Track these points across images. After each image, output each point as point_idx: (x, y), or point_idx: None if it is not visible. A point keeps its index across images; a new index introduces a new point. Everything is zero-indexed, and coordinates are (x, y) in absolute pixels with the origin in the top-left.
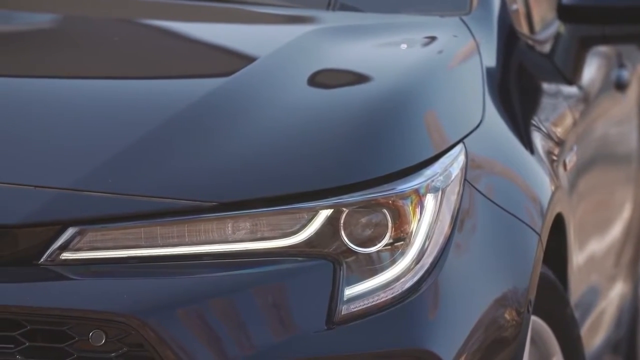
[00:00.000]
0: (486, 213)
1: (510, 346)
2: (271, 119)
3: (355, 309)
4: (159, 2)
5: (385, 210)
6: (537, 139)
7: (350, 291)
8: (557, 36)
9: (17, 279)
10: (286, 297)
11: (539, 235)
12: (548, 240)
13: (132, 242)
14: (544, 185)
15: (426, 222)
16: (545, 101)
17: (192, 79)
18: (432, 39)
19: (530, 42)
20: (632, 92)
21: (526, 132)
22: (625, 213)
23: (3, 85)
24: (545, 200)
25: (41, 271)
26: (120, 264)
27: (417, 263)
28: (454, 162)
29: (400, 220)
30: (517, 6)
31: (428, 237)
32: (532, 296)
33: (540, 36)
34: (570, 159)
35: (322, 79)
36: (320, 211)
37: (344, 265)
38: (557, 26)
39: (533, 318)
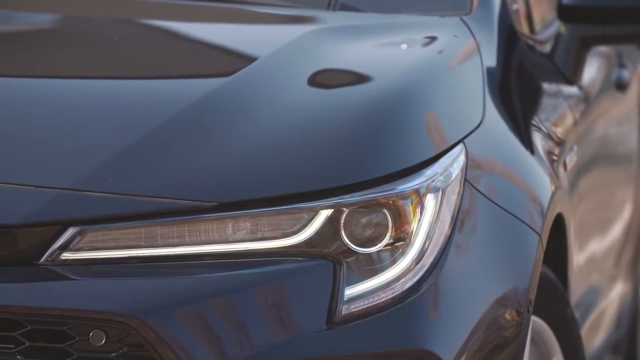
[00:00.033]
0: (486, 213)
1: (511, 346)
2: (271, 119)
3: (355, 309)
4: (159, 2)
5: (385, 210)
6: (538, 139)
7: (350, 291)
8: (558, 36)
9: (17, 279)
10: (286, 297)
11: (539, 235)
12: (548, 240)
13: (132, 242)
14: (544, 185)
15: (426, 222)
16: (546, 101)
17: (192, 79)
18: (433, 39)
19: (530, 42)
20: (632, 92)
21: (526, 132)
22: (626, 213)
23: (3, 85)
24: (545, 200)
25: (41, 271)
26: (120, 264)
27: (417, 263)
28: (454, 162)
29: (400, 220)
30: (518, 6)
31: (428, 237)
32: (533, 296)
33: (541, 36)
34: (571, 159)
35: (323, 79)
36: (321, 211)
37: (344, 265)
38: (557, 26)
39: (533, 318)
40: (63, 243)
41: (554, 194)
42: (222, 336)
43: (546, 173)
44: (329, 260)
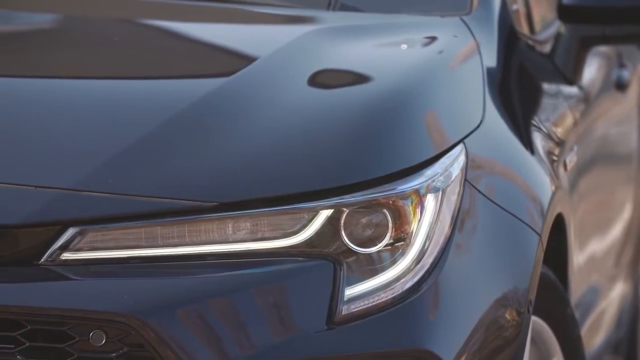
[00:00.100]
0: (486, 213)
1: (511, 346)
2: (271, 119)
3: (355, 309)
4: (159, 2)
5: (385, 211)
6: (538, 139)
7: (350, 291)
8: (558, 36)
9: (17, 279)
10: (286, 297)
11: (540, 235)
12: (548, 241)
13: (132, 242)
14: (545, 185)
15: (426, 222)
16: (546, 101)
17: (193, 79)
18: (433, 39)
19: (530, 42)
20: (632, 92)
21: (526, 132)
22: (626, 213)
23: (3, 85)
24: (545, 201)
25: (41, 271)
26: (120, 264)
27: (417, 263)
28: (454, 162)
29: (400, 220)
30: (518, 6)
31: (428, 237)
32: (533, 296)
33: (541, 36)
34: (571, 159)
35: (323, 79)
36: (321, 211)
37: (345, 266)
38: (557, 26)
39: (533, 318)
40: (63, 243)
41: (554, 194)
42: (223, 336)
43: (546, 173)
44: (329, 260)
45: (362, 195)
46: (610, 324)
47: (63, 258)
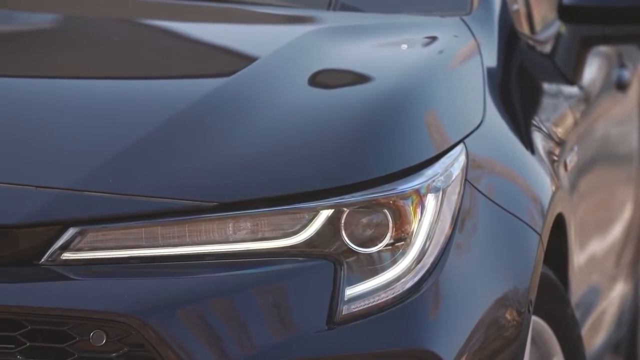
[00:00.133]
0: (487, 213)
1: (511, 346)
2: (272, 119)
3: (356, 309)
4: (159, 2)
5: (386, 210)
6: (538, 139)
7: (351, 291)
8: (558, 36)
9: (17, 279)
10: (287, 297)
11: (540, 235)
12: (549, 241)
13: (132, 242)
14: (545, 185)
15: (427, 222)
16: (546, 101)
17: (193, 79)
18: (433, 39)
19: (531, 42)
20: (632, 92)
21: (527, 132)
22: (626, 213)
23: (3, 85)
24: (546, 201)
25: (42, 271)
26: (121, 264)
27: (417, 263)
28: (454, 162)
29: (401, 220)
30: (518, 6)
31: (429, 237)
32: (533, 296)
33: (541, 36)
34: (571, 159)
35: (323, 79)
36: (321, 211)
37: (345, 265)
38: (557, 26)
39: (534, 318)
40: (63, 243)
41: (554, 194)
42: (223, 336)
43: (547, 173)
44: (329, 260)
45: (363, 195)
46: (610, 324)
47: (63, 258)
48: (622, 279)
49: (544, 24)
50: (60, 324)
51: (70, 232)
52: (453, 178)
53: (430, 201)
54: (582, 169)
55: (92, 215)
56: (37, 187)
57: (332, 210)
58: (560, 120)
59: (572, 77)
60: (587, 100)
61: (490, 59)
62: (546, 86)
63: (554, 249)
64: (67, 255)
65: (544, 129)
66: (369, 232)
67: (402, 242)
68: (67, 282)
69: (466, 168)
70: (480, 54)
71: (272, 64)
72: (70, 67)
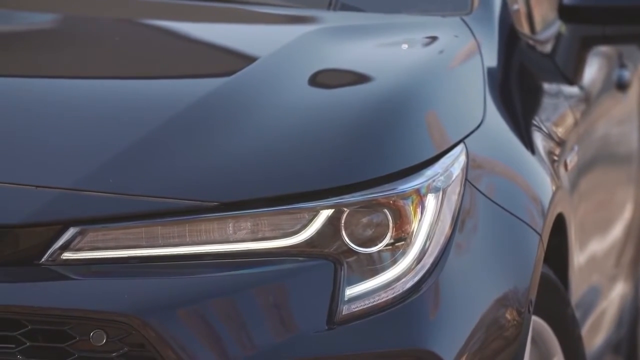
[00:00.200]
0: (487, 213)
1: (511, 346)
2: (272, 119)
3: (356, 309)
4: (159, 2)
5: (386, 210)
6: (538, 139)
7: (351, 291)
8: (558, 36)
9: (18, 278)
10: (287, 297)
11: (540, 235)
12: (549, 240)
13: (133, 242)
14: (545, 185)
15: (427, 222)
16: (546, 101)
17: (193, 79)
18: (433, 39)
19: (531, 42)
20: (633, 92)
21: (527, 132)
22: (626, 213)
23: (3, 85)
24: (546, 201)
25: (42, 271)
26: (121, 264)
27: (418, 263)
28: (454, 162)
29: (401, 220)
30: (518, 6)
31: (429, 237)
32: (533, 296)
33: (541, 36)
34: (571, 159)
35: (323, 79)
36: (321, 211)
37: (345, 265)
38: (558, 26)
39: (534, 318)
40: (64, 243)
41: (554, 194)
42: (223, 336)
43: (547, 173)
44: (329, 260)
45: (363, 195)
46: (610, 324)
47: (64, 258)
48: (622, 279)
49: (545, 24)
50: (60, 324)
51: (71, 232)
52: (453, 178)
53: (431, 201)
54: (583, 169)
55: (92, 215)
56: (37, 187)
57: (332, 210)
58: (560, 120)
59: (572, 77)
60: (588, 100)
61: (491, 59)
62: (546, 86)
63: (554, 248)
64: (67, 255)
65: (544, 128)
66: (369, 232)
67: (402, 242)
68: (68, 282)
69: (466, 168)
70: (481, 53)
71: (272, 64)
72: (70, 67)
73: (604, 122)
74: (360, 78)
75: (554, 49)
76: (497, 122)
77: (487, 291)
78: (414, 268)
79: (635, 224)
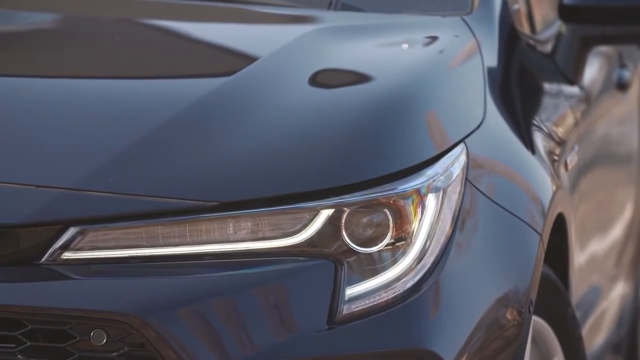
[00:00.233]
0: (487, 213)
1: (512, 346)
2: (272, 119)
3: (356, 309)
4: (159, 2)
5: (386, 210)
6: (539, 139)
7: (351, 291)
8: (559, 36)
9: (18, 278)
10: (287, 297)
11: (540, 235)
12: (549, 240)
13: (133, 241)
14: (545, 185)
15: (427, 221)
16: (547, 101)
17: (193, 79)
18: (433, 38)
19: (531, 42)
20: (633, 92)
21: (527, 132)
22: (627, 213)
23: (3, 85)
24: (546, 200)
25: (42, 271)
26: (121, 264)
27: (418, 263)
28: (455, 162)
29: (401, 220)
30: (519, 6)
31: (429, 236)
32: (534, 296)
33: (542, 36)
34: (572, 159)
35: (324, 79)
36: (322, 211)
37: (345, 265)
38: (558, 26)
39: (534, 318)
40: (64, 243)
41: (555, 193)
42: (223, 336)
43: (547, 173)
44: (330, 260)
45: (363, 195)
46: (611, 324)
47: (64, 257)
48: (622, 279)
49: (545, 24)
50: (60, 324)
51: (71, 231)
52: (453, 178)
53: (431, 201)
54: (583, 169)
55: (92, 214)
56: (37, 186)
57: (333, 210)
58: (560, 120)
59: (572, 77)
60: (588, 100)
61: (491, 59)
62: (547, 86)
63: (555, 248)
64: (67, 255)
65: (545, 128)
66: (369, 232)
67: (403, 242)
68: (68, 282)
69: (467, 168)
70: (481, 53)
71: (273, 64)
72: (70, 66)
73: (604, 122)
74: (360, 78)
75: (554, 49)
76: (497, 122)
77: (487, 291)
78: (414, 268)
79: (636, 223)
